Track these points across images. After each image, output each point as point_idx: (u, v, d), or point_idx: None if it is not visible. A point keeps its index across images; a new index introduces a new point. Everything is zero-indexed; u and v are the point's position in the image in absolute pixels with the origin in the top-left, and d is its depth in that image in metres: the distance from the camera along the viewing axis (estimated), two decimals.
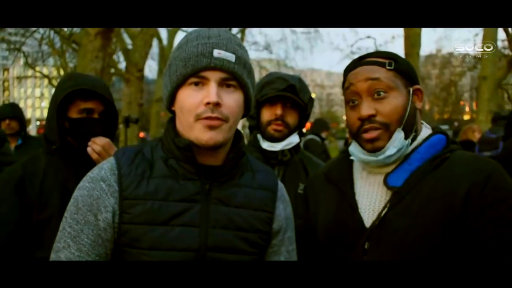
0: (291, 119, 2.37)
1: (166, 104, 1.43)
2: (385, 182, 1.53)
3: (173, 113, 1.45)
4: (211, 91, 1.32)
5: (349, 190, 1.61)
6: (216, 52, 1.33)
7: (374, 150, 1.52)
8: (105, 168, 1.38)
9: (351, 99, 1.55)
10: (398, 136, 1.50)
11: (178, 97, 1.38)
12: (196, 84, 1.35)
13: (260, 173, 1.53)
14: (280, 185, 1.57)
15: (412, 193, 1.47)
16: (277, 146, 2.36)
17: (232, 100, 1.37)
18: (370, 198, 1.56)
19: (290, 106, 2.36)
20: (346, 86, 1.58)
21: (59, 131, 2.14)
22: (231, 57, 1.35)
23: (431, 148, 1.54)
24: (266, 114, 2.36)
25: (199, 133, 1.34)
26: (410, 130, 1.54)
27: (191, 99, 1.34)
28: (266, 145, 2.36)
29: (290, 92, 2.31)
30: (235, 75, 1.36)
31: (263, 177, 1.52)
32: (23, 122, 5.10)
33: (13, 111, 5.10)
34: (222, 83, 1.35)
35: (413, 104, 1.55)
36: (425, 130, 1.61)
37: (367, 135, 1.51)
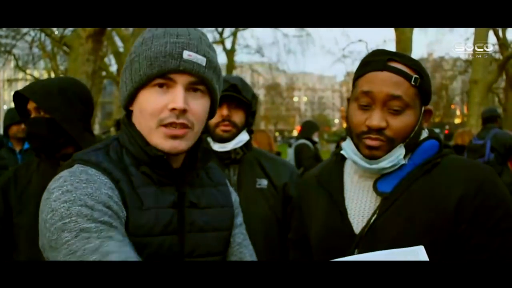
0: (238, 118, 2.39)
1: (124, 103, 1.32)
2: (375, 187, 1.50)
3: (129, 112, 1.35)
4: (177, 96, 1.22)
5: (339, 195, 1.59)
6: (186, 54, 1.22)
7: (371, 158, 1.48)
8: (94, 174, 1.21)
9: (365, 103, 1.48)
10: (398, 151, 1.47)
11: (139, 98, 1.27)
12: (161, 86, 1.24)
13: (211, 170, 1.48)
14: (223, 176, 1.53)
15: (402, 199, 1.45)
16: (227, 146, 2.37)
17: (199, 106, 1.28)
18: (360, 204, 1.54)
19: (235, 105, 2.38)
20: (364, 88, 1.48)
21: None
22: (201, 60, 1.25)
23: (423, 153, 1.52)
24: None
25: (159, 141, 1.25)
26: (411, 149, 1.51)
27: (155, 103, 1.23)
28: (217, 146, 2.37)
29: (233, 91, 2.32)
30: (205, 80, 1.27)
31: (215, 173, 1.48)
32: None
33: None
34: (190, 87, 1.26)
35: (421, 124, 1.52)
36: (421, 135, 1.57)
37: (369, 142, 1.46)
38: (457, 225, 1.38)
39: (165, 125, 1.23)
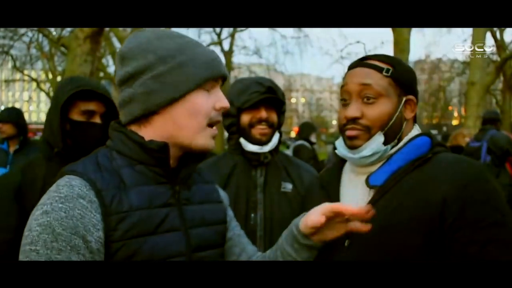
0: (274, 119, 2.40)
1: (165, 104, 1.32)
2: (367, 181, 1.56)
3: (140, 118, 1.35)
4: (223, 97, 1.38)
5: (335, 192, 1.67)
6: (223, 61, 1.41)
7: (352, 147, 1.58)
8: (77, 185, 1.23)
9: (344, 98, 1.61)
10: (378, 139, 1.55)
11: (188, 100, 1.32)
12: (207, 89, 1.36)
13: (201, 169, 1.59)
14: (209, 174, 1.63)
15: (391, 192, 1.50)
16: (265, 148, 2.37)
17: None
18: (353, 199, 1.59)
19: (270, 106, 2.38)
20: (342, 83, 1.64)
21: (62, 134, 2.09)
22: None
23: (415, 149, 1.57)
24: (247, 118, 2.37)
25: (206, 140, 1.37)
26: (393, 138, 1.58)
27: (206, 103, 1.35)
28: (254, 148, 2.36)
29: (270, 93, 2.33)
30: (225, 82, 1.44)
31: (204, 172, 1.59)
32: (20, 126, 5.09)
33: (8, 115, 5.11)
34: None
35: (401, 113, 1.59)
36: (413, 132, 1.64)
37: (348, 132, 1.57)
38: (443, 219, 1.39)
39: (212, 125, 1.38)
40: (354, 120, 1.56)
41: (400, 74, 1.59)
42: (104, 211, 1.23)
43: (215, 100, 1.36)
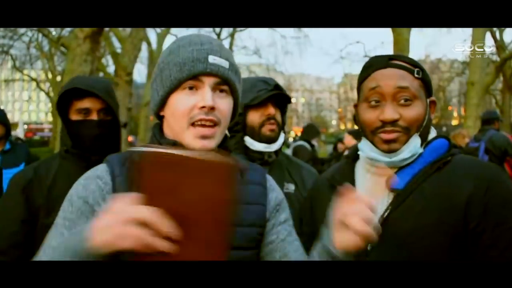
0: (280, 117, 2.38)
1: (156, 109, 1.44)
2: (387, 184, 1.54)
3: (160, 118, 1.46)
4: (206, 95, 1.34)
5: None
6: (212, 58, 1.36)
7: (389, 151, 1.53)
8: (100, 169, 1.41)
9: (374, 99, 1.56)
10: (415, 141, 1.53)
11: (171, 101, 1.39)
12: (190, 88, 1.36)
13: (249, 170, 1.53)
14: (268, 177, 1.58)
15: (414, 195, 1.48)
16: (273, 147, 2.34)
17: (225, 104, 1.39)
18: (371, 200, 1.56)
19: (275, 106, 2.36)
20: (372, 85, 1.57)
21: (69, 134, 2.16)
22: (225, 63, 1.38)
23: (433, 151, 1.56)
24: (256, 116, 2.33)
25: (191, 141, 1.36)
26: (424, 139, 1.57)
27: (185, 103, 1.35)
28: (262, 146, 2.33)
29: (277, 90, 2.32)
30: (229, 81, 1.39)
31: (251, 173, 1.53)
32: (8, 126, 5.00)
33: None
34: (216, 88, 1.37)
35: (429, 114, 1.58)
36: (431, 134, 1.63)
37: (386, 136, 1.52)
38: (467, 222, 1.40)
39: (195, 124, 1.36)
40: (392, 122, 1.52)
41: (427, 76, 1.59)
42: (113, 193, 1.36)
43: (198, 99, 1.35)
